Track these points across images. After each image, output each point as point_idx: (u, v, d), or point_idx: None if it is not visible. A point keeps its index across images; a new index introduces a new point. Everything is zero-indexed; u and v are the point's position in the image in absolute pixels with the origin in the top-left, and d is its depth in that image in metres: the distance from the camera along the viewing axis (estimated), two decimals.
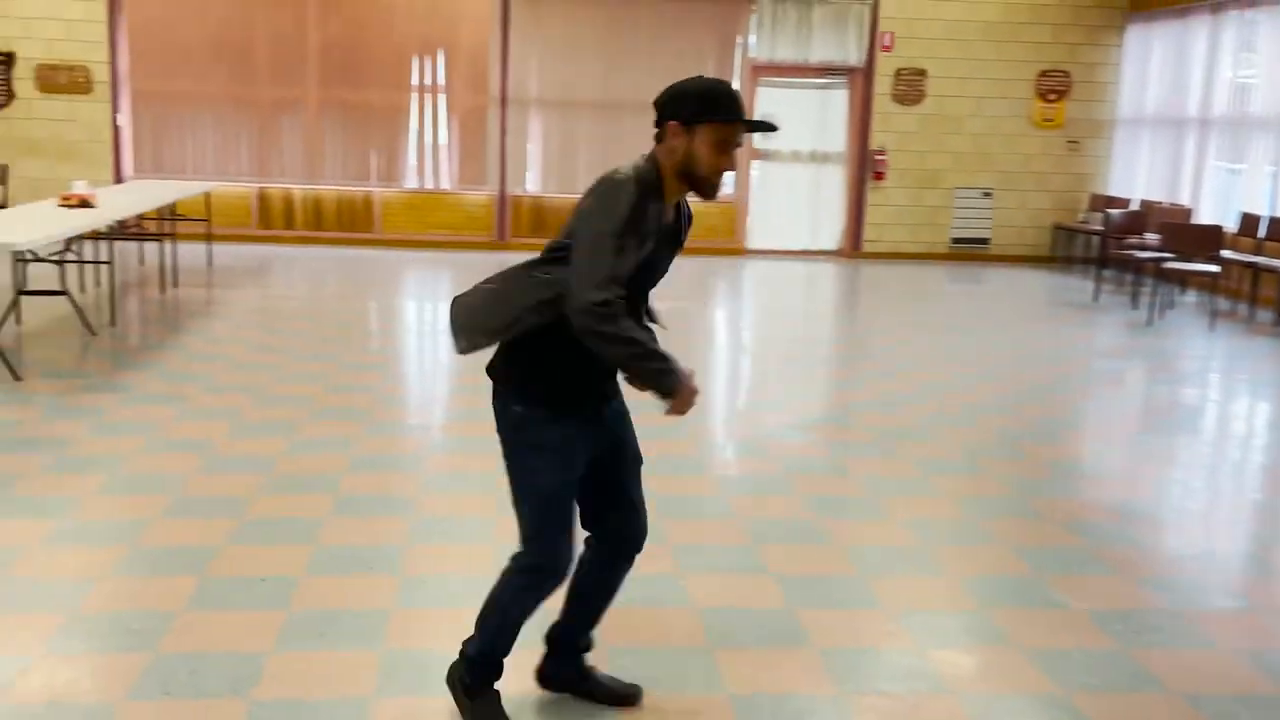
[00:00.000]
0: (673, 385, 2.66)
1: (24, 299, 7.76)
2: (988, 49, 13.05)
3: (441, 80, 12.81)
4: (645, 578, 3.93)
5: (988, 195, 13.35)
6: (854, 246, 13.40)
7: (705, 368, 7.63)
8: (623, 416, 2.93)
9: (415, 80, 12.77)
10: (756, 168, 13.41)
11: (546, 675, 3.11)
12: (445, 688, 3.01)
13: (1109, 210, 11.47)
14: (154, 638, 3.37)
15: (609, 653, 3.38)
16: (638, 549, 2.96)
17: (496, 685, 2.95)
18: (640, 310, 2.85)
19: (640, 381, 2.71)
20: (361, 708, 3.04)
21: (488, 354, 2.84)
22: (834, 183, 13.50)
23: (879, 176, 13.20)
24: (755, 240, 13.51)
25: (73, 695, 3.04)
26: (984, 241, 13.44)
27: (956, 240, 13.43)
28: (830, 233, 13.61)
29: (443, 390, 6.88)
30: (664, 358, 2.66)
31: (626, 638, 3.49)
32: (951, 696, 3.21)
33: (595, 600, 3.04)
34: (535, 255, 2.80)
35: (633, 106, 12.91)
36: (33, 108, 12.26)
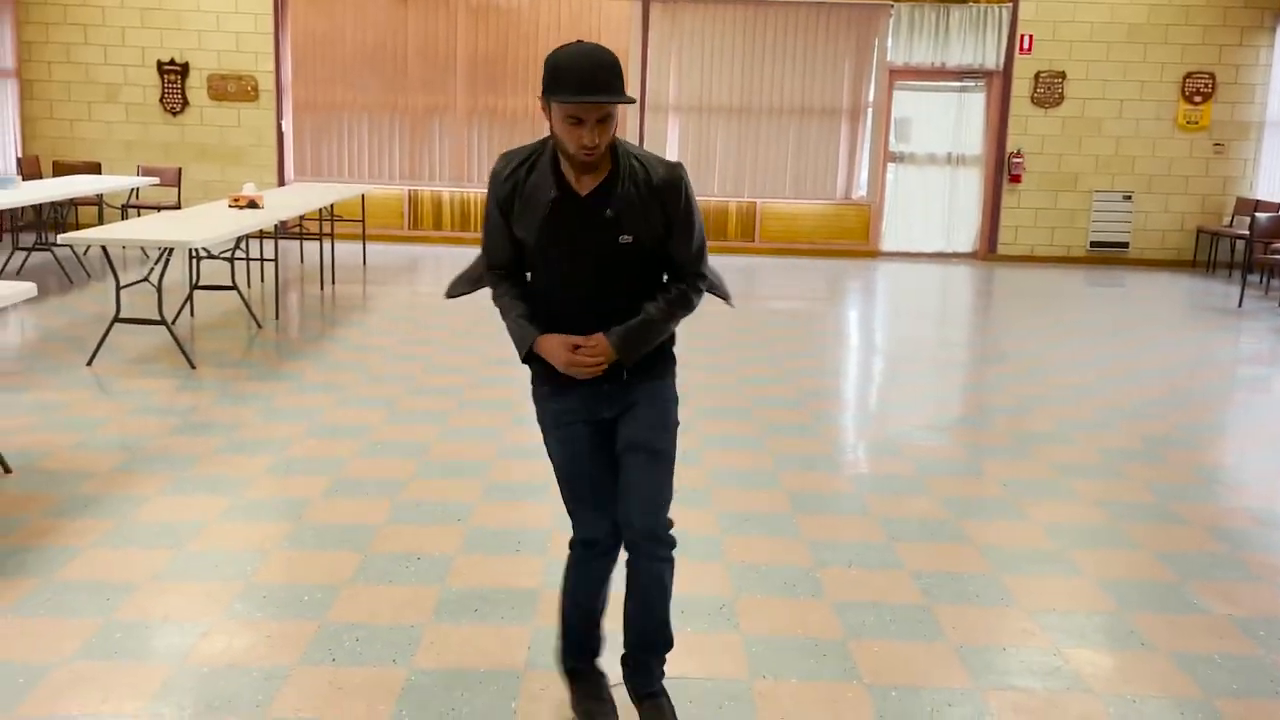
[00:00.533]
0: (519, 352, 2.76)
1: (197, 293, 8.18)
2: (1131, 51, 12.65)
3: None
4: (779, 570, 3.98)
5: (1128, 198, 12.93)
6: (989, 249, 13.14)
7: (838, 368, 7.60)
8: (630, 404, 2.75)
9: None
10: (892, 170, 13.25)
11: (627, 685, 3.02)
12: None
13: (1255, 214, 11.00)
14: (321, 608, 3.55)
15: (745, 640, 3.43)
16: (638, 537, 2.78)
17: (590, 667, 3.00)
18: (610, 282, 2.67)
19: (510, 325, 2.80)
20: (514, 679, 3.15)
21: None
22: (970, 185, 13.26)
23: (1016, 179, 12.92)
24: (889, 242, 13.36)
25: (250, 659, 3.22)
26: (1123, 245, 13.03)
27: (1095, 244, 13.05)
28: (965, 235, 13.37)
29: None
30: (516, 324, 2.73)
31: (762, 626, 3.53)
32: (1089, 696, 3.17)
33: (627, 605, 2.91)
34: None
35: (769, 110, 12.91)
36: (204, 115, 12.86)
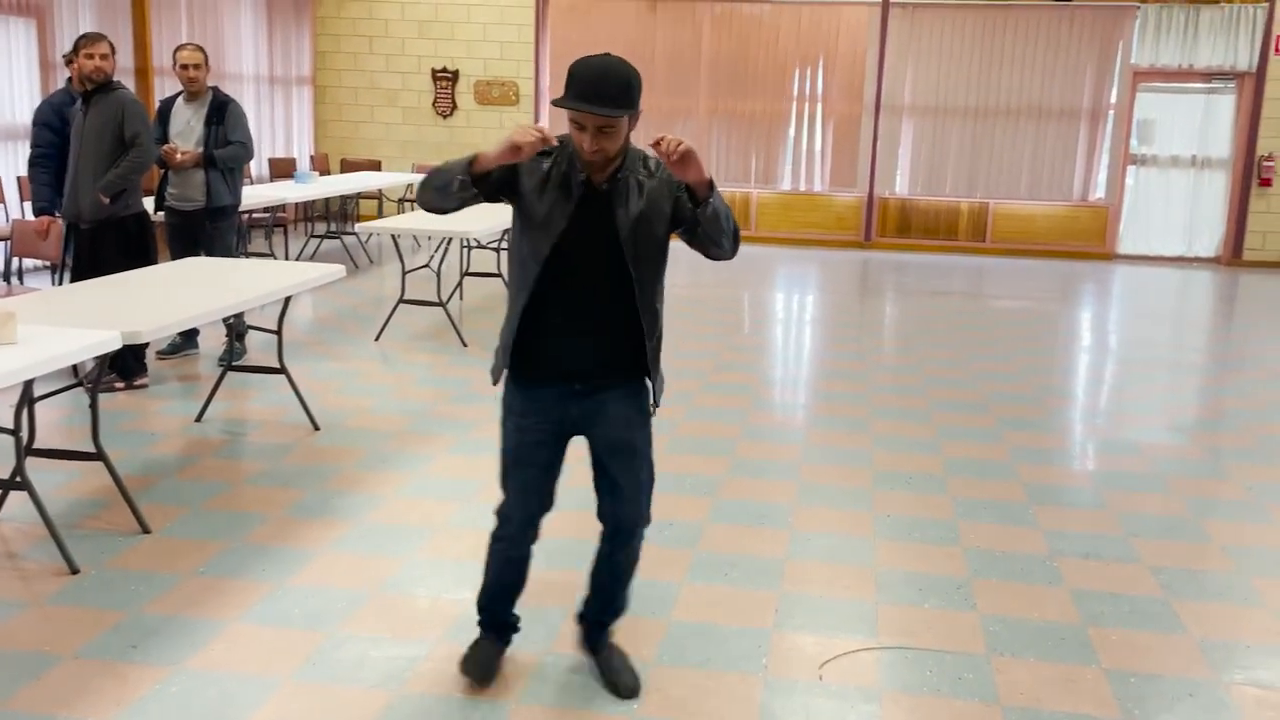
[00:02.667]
0: (468, 161, 2.59)
1: (467, 280, 8.71)
2: None
3: (820, 89, 13.01)
4: (1015, 556, 3.98)
5: None
6: (1234, 254, 12.36)
7: (1072, 367, 7.38)
8: (600, 407, 2.78)
9: (795, 90, 13.04)
10: (1132, 173, 12.65)
11: (580, 640, 3.16)
12: (835, 627, 3.22)
13: None
14: (588, 561, 3.79)
15: (982, 619, 3.46)
16: (618, 532, 2.90)
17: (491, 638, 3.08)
18: (626, 285, 2.68)
19: (451, 175, 2.61)
20: (762, 638, 3.31)
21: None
22: (1215, 189, 12.50)
23: (1266, 183, 12.09)
24: (1126, 245, 12.76)
25: (530, 602, 3.46)
26: None
27: None
28: (1209, 240, 12.62)
29: (812, 374, 7.08)
30: (447, 165, 2.63)
31: (999, 607, 3.55)
32: None
33: (596, 577, 3.03)
34: None
35: (1005, 112, 12.56)
36: (470, 118, 13.60)
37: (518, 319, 2.75)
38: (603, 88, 2.50)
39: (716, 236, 2.68)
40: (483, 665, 3.05)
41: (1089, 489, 4.80)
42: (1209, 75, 12.21)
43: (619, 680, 3.00)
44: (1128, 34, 12.20)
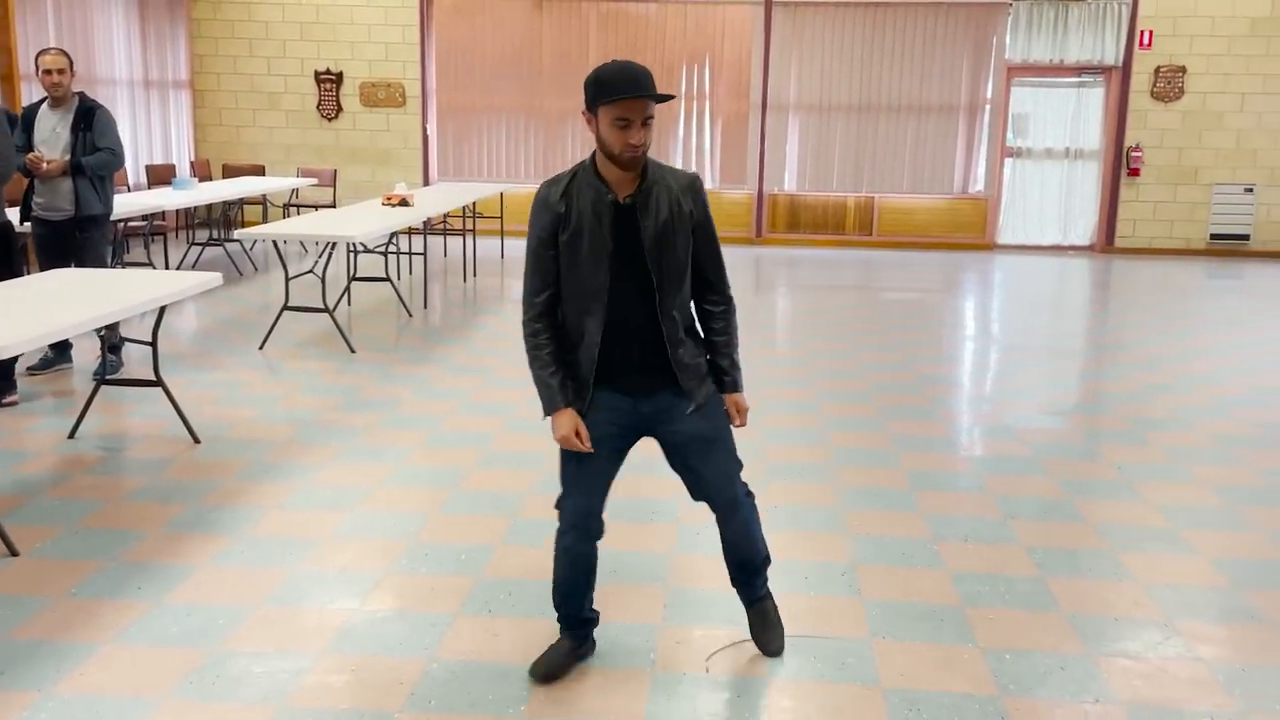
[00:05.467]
0: (544, 409, 2.88)
1: (354, 284, 8.58)
2: (1253, 44, 12.21)
3: (707, 88, 13.13)
4: (898, 541, 4.07)
5: (1250, 191, 12.49)
6: (1107, 242, 12.85)
7: (955, 356, 7.58)
8: (667, 406, 2.94)
9: (683, 89, 13.13)
10: (1009, 165, 13.05)
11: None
12: (723, 619, 3.26)
13: None
14: (478, 565, 3.78)
15: (865, 604, 3.54)
16: (719, 508, 3.07)
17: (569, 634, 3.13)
18: (652, 294, 2.84)
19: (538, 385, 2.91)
20: (650, 633, 3.33)
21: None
22: (1087, 179, 12.98)
23: (1134, 173, 12.59)
24: (1006, 236, 13.17)
25: (416, 607, 3.47)
26: (1244, 237, 12.60)
27: (1215, 236, 12.65)
28: (1083, 228, 13.10)
29: None
30: (546, 384, 2.86)
31: (881, 592, 3.63)
32: (1198, 663, 3.20)
33: (724, 545, 3.15)
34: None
35: (887, 108, 12.84)
36: (356, 120, 13.39)
37: (597, 348, 2.86)
38: (643, 79, 2.69)
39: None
40: (546, 664, 3.06)
41: (969, 474, 4.94)
42: (1079, 69, 12.67)
43: (765, 639, 3.19)
44: (1001, 30, 12.58)
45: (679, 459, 3.02)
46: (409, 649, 3.19)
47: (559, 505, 3.01)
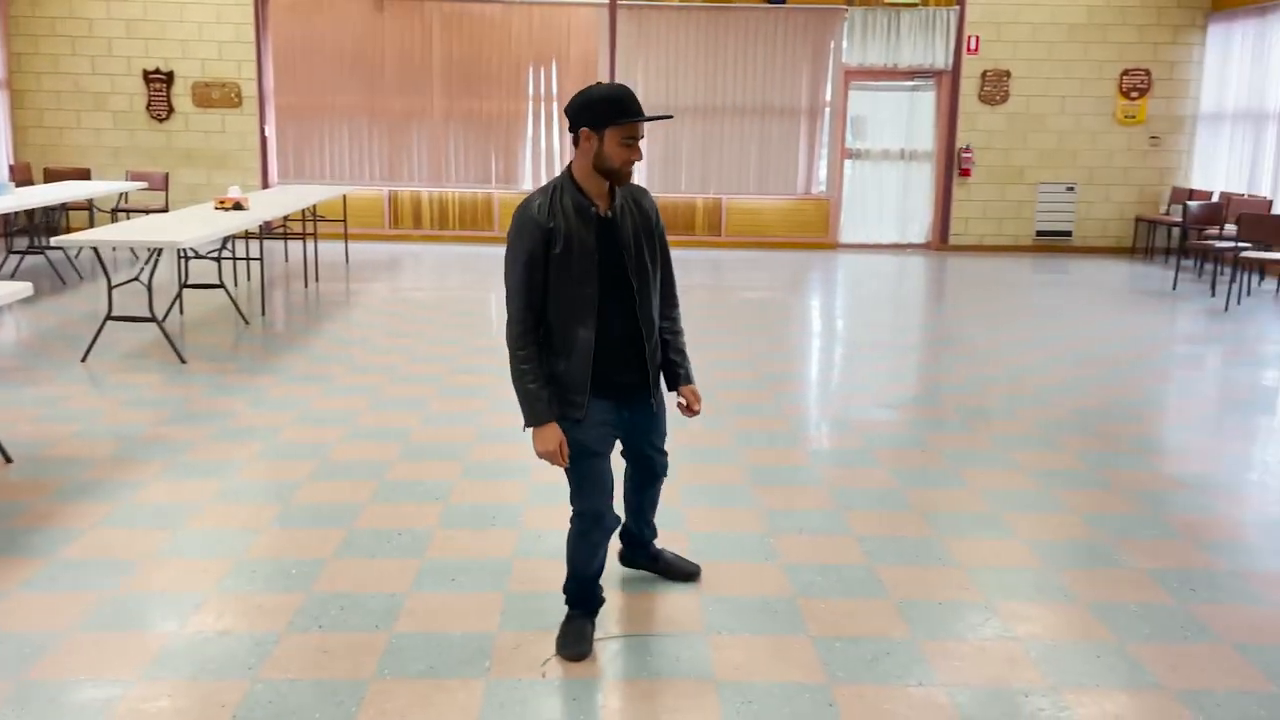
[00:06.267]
0: (527, 421, 3.06)
1: (186, 292, 8.25)
2: (1072, 49, 12.87)
3: (555, 89, 13.10)
4: (736, 536, 4.13)
5: (1071, 190, 13.16)
6: (942, 240, 13.34)
7: (798, 353, 7.75)
8: (643, 409, 3.25)
9: (530, 90, 13.08)
10: (849, 166, 13.42)
11: (637, 562, 3.73)
12: (555, 625, 3.26)
13: (1189, 202, 11.23)
14: (308, 580, 3.67)
15: (702, 599, 3.58)
16: (662, 470, 3.47)
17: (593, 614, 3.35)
18: (630, 297, 3.06)
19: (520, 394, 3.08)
20: (486, 640, 3.28)
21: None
22: (922, 179, 13.45)
23: (965, 173, 13.12)
24: (847, 235, 13.54)
25: (241, 627, 3.34)
26: (1067, 234, 13.26)
27: (1041, 233, 13.28)
28: (919, 227, 13.57)
29: None
30: (535, 398, 3.00)
31: (718, 587, 3.68)
32: (1014, 642, 3.33)
33: (643, 506, 3.58)
34: None
35: (732, 110, 13.05)
36: (189, 121, 12.89)
37: (591, 356, 3.03)
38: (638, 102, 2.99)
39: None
40: (587, 638, 3.24)
41: (807, 467, 5.05)
42: (912, 74, 13.12)
43: (685, 569, 3.69)
44: (838, 35, 12.92)
45: (639, 446, 3.35)
46: (231, 670, 3.08)
47: (583, 511, 3.18)
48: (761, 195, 13.28)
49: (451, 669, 3.12)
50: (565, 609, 3.33)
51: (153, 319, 6.84)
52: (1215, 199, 11.88)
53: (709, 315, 8.82)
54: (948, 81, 13.06)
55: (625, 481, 3.50)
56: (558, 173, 13.12)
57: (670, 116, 3.15)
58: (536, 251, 2.95)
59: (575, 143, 2.96)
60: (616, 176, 3.00)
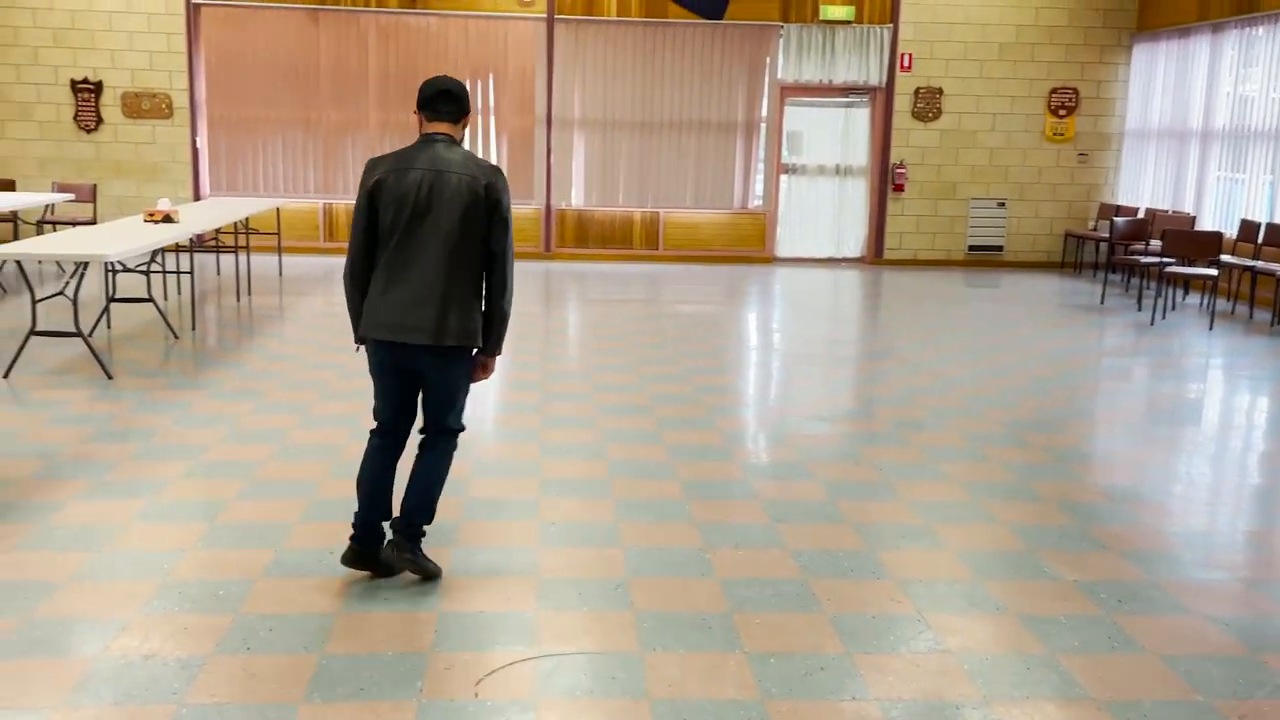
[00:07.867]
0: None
1: (114, 306, 8.07)
2: (1002, 68, 13.12)
3: (492, 103, 13.06)
4: (671, 551, 4.12)
5: (1002, 205, 13.40)
6: (876, 254, 13.50)
7: (734, 366, 7.78)
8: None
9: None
10: (785, 181, 13.53)
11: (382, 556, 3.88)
12: (494, 642, 3.21)
13: (1115, 218, 11.49)
14: (236, 601, 3.59)
15: (638, 616, 3.56)
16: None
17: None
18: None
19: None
20: (419, 661, 3.24)
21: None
22: (857, 195, 13.60)
23: (899, 188, 13.29)
24: (783, 249, 13.64)
25: (166, 651, 3.26)
26: (998, 249, 13.50)
27: (973, 247, 13.50)
28: (854, 241, 13.71)
29: (484, 386, 7.07)
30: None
31: (654, 603, 3.66)
32: (946, 655, 3.36)
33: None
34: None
35: (669, 125, 13.10)
36: (119, 132, 12.63)
37: None
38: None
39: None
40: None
41: (741, 481, 5.06)
42: (846, 90, 13.28)
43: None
44: (774, 51, 13.04)
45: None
46: (157, 695, 2.99)
47: (459, 428, 3.93)
48: (699, 209, 13.34)
49: (383, 690, 3.06)
50: (424, 545, 3.81)
51: (78, 334, 6.67)
52: (1141, 215, 12.17)
53: (643, 329, 8.83)
54: (882, 98, 13.23)
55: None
56: None
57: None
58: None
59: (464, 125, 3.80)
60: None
